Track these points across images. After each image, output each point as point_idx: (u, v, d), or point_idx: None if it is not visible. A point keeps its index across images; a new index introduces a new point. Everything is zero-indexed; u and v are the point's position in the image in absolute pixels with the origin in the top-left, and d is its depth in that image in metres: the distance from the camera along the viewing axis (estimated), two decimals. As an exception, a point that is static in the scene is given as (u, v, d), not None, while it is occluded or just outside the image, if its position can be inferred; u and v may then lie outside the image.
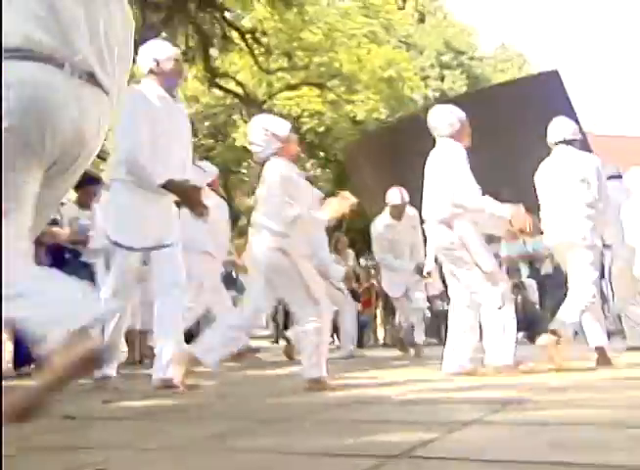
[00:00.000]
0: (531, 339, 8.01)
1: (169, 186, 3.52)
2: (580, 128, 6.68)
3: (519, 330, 8.06)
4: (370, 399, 2.90)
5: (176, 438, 2.03)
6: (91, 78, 1.86)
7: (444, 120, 4.16)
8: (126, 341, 6.75)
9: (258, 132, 3.58)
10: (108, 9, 1.98)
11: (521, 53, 27.10)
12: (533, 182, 4.54)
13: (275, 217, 3.40)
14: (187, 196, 3.57)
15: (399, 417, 2.30)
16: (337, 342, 9.35)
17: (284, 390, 3.55)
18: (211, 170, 6.17)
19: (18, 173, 1.76)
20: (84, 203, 6.05)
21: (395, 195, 6.42)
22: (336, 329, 7.00)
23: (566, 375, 3.57)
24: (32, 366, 5.34)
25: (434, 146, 4.59)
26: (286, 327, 9.90)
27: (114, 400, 3.01)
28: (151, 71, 3.71)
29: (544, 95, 8.60)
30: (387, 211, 6.55)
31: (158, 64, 3.69)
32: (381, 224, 6.56)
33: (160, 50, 3.79)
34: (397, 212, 6.44)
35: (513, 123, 7.85)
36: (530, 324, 8.07)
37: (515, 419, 2.12)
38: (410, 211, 6.42)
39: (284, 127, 3.61)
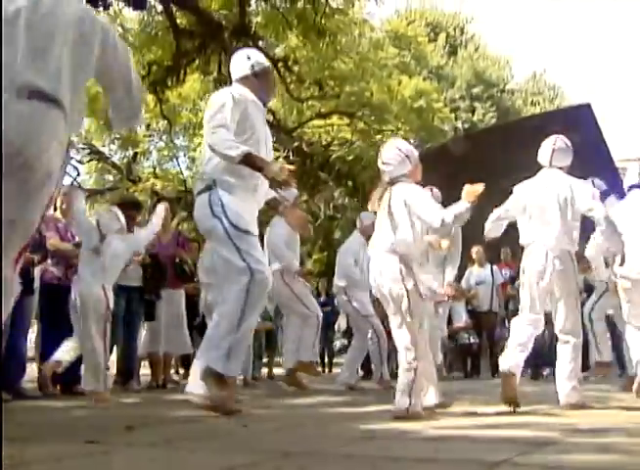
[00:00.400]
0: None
1: (250, 159, 3.47)
2: (612, 162, 6.61)
3: (546, 366, 7.96)
4: (396, 433, 2.84)
5: (200, 468, 2.00)
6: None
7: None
8: (150, 365, 6.77)
9: (392, 152, 3.75)
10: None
11: (553, 85, 27.03)
12: None
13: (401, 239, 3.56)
14: (271, 170, 3.51)
15: (424, 455, 2.25)
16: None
17: (309, 420, 3.50)
18: (292, 192, 6.27)
19: None
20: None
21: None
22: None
23: (596, 417, 3.47)
24: (58, 387, 5.36)
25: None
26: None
27: (137, 426, 2.99)
28: (245, 77, 3.77)
29: (575, 128, 8.55)
30: None
31: (253, 69, 3.78)
32: None
33: (258, 57, 3.89)
34: None
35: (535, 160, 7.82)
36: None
37: (547, 462, 2.06)
38: None
39: (415, 152, 3.83)
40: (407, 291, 3.45)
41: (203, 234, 3.88)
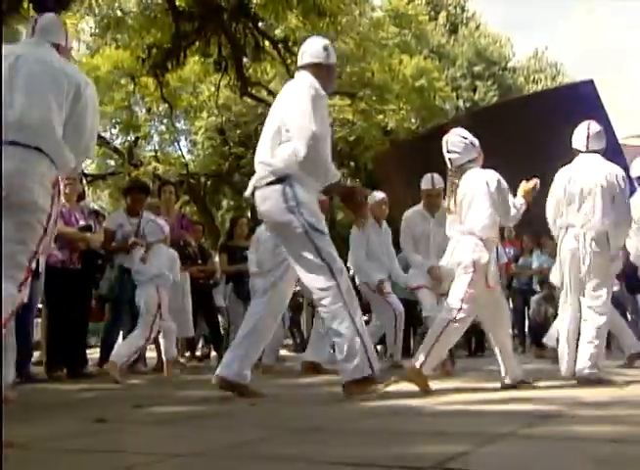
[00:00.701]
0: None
1: (336, 186, 3.54)
2: (615, 138, 6.55)
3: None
4: (403, 409, 2.87)
5: (206, 444, 2.02)
6: None
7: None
8: (156, 347, 6.80)
9: (457, 140, 3.88)
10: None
11: (554, 62, 26.83)
12: None
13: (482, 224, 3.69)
14: (352, 196, 3.59)
15: (432, 429, 2.27)
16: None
17: (316, 399, 3.53)
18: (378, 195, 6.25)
19: None
20: (133, 210, 6.17)
21: (427, 180, 5.60)
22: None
23: (599, 390, 3.49)
24: (65, 370, 5.41)
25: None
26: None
27: (145, 406, 3.02)
28: (318, 65, 3.62)
29: (579, 104, 8.52)
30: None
31: (328, 60, 3.67)
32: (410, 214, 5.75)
33: (333, 51, 3.76)
34: (429, 202, 5.57)
35: (546, 132, 7.77)
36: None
37: (552, 433, 2.08)
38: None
39: (476, 139, 3.93)
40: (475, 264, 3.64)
41: (268, 226, 3.64)
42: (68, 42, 3.55)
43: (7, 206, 2.87)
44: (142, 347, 5.41)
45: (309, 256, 3.33)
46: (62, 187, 3.22)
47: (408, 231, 5.64)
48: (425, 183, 5.57)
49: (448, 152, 3.88)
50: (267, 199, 3.43)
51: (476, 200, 3.72)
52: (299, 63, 3.71)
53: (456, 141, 3.87)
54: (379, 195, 6.25)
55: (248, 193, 3.61)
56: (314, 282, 3.33)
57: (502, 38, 25.61)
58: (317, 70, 3.60)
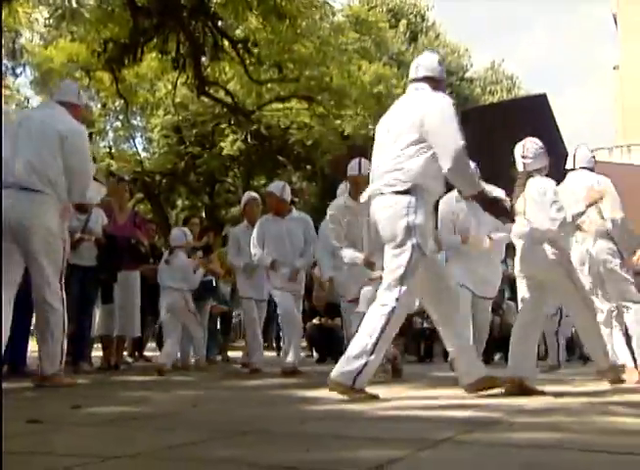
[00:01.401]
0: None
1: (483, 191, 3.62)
2: (565, 150, 6.74)
3: (498, 351, 8.13)
4: (345, 414, 2.87)
5: (142, 446, 1.99)
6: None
7: None
8: (102, 347, 6.69)
9: (533, 147, 4.13)
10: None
11: (510, 75, 27.38)
12: None
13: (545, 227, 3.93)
14: (495, 203, 3.68)
15: (371, 433, 2.27)
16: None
17: (261, 401, 3.51)
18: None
19: None
20: (81, 206, 6.04)
21: (354, 165, 5.26)
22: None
23: (540, 398, 3.56)
24: (5, 367, 5.27)
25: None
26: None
27: (84, 406, 2.96)
28: (434, 79, 3.67)
29: (531, 117, 8.71)
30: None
31: (442, 75, 3.74)
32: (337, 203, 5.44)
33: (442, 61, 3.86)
34: (355, 189, 5.11)
35: (500, 143, 7.91)
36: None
37: (487, 440, 2.11)
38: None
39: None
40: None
41: (379, 232, 3.59)
42: (80, 99, 4.42)
43: (24, 236, 3.95)
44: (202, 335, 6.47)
45: (395, 268, 3.42)
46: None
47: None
48: (351, 169, 5.25)
49: (523, 157, 4.12)
50: (389, 207, 3.48)
51: (539, 204, 3.97)
52: (413, 76, 3.75)
53: (532, 148, 4.13)
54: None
55: (364, 197, 3.67)
56: (384, 296, 3.42)
57: (461, 48, 26.03)
58: (434, 83, 3.66)
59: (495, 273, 5.62)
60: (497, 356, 8.09)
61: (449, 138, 3.40)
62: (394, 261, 3.44)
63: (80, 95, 4.45)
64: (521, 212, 4.04)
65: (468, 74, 26.19)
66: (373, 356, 3.35)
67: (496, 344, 7.64)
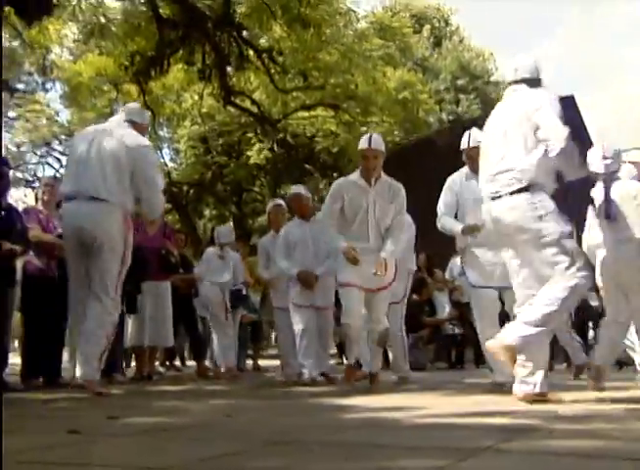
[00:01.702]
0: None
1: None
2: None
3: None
4: (381, 422, 2.85)
5: (178, 457, 1.99)
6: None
7: None
8: (135, 357, 6.74)
9: (610, 146, 4.31)
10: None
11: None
12: None
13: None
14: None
15: (409, 442, 2.25)
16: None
17: (294, 410, 3.50)
18: None
19: None
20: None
21: (364, 139, 4.94)
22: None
23: (575, 404, 3.50)
24: (41, 379, 5.33)
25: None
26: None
27: (120, 416, 2.97)
28: (531, 80, 3.71)
29: (562, 118, 8.63)
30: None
31: (540, 73, 3.78)
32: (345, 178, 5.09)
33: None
34: (365, 164, 4.78)
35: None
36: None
37: (527, 448, 2.07)
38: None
39: None
40: None
41: (508, 233, 3.60)
42: (144, 119, 4.77)
43: (93, 245, 4.20)
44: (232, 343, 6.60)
45: (560, 259, 3.41)
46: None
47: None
48: (361, 143, 4.88)
49: (604, 158, 4.25)
50: (514, 208, 3.50)
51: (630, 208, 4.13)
52: (513, 78, 3.78)
53: (610, 148, 4.31)
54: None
55: (486, 206, 3.67)
56: (554, 290, 3.41)
57: (485, 53, 25.86)
58: (533, 83, 3.70)
59: None
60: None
61: (557, 125, 3.46)
62: (555, 255, 3.43)
63: (144, 115, 4.83)
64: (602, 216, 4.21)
65: (493, 78, 26.01)
66: (546, 327, 3.42)
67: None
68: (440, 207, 4.79)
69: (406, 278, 5.75)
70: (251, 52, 12.22)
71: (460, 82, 23.12)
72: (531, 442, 2.20)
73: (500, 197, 3.55)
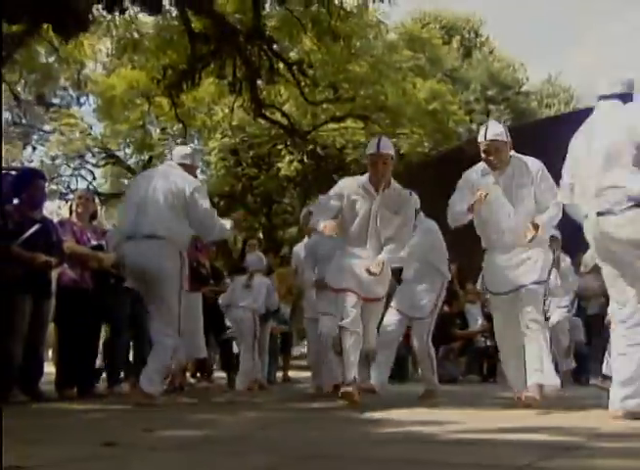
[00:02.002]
0: (577, 379, 7.79)
1: None
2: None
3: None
4: (416, 437, 2.82)
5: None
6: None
7: None
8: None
9: None
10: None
11: (567, 87, 26.86)
12: None
13: None
14: None
15: (443, 458, 2.22)
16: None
17: (327, 422, 3.48)
18: None
19: None
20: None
21: (372, 143, 4.68)
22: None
23: (614, 421, 3.42)
24: (75, 389, 5.38)
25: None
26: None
27: (155, 429, 2.98)
28: (624, 94, 3.71)
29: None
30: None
31: (633, 84, 3.78)
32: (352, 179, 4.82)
33: None
34: (374, 170, 4.53)
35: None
36: (578, 364, 7.86)
37: (568, 466, 2.03)
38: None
39: None
40: None
41: (619, 252, 3.56)
42: (195, 161, 5.17)
43: (149, 278, 4.51)
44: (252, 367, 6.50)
45: None
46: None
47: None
48: (369, 148, 4.64)
49: None
50: (632, 222, 3.45)
51: None
52: (608, 92, 3.74)
53: None
54: None
55: (592, 221, 3.59)
56: None
57: (515, 63, 25.70)
58: (626, 98, 3.69)
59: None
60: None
61: None
62: None
63: (194, 157, 5.19)
64: None
65: (524, 88, 25.81)
66: None
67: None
68: (451, 203, 4.53)
69: (439, 288, 5.38)
70: (281, 65, 12.28)
71: (490, 93, 22.99)
72: (573, 460, 2.15)
73: (610, 213, 3.49)
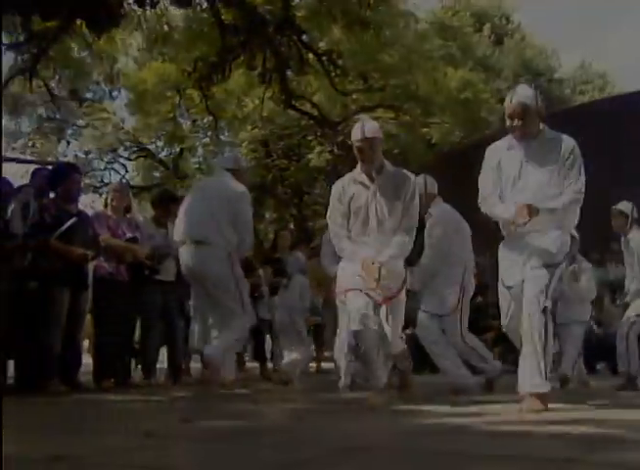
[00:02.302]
0: (614, 370, 7.66)
1: None
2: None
3: (600, 360, 7.79)
4: (453, 429, 2.79)
5: (260, 463, 1.99)
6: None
7: None
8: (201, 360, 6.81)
9: None
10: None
11: (602, 73, 26.37)
12: None
13: None
14: None
15: (486, 451, 2.19)
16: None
17: (363, 414, 3.47)
18: None
19: None
20: (160, 221, 6.17)
21: (356, 129, 4.26)
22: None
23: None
24: (112, 380, 5.45)
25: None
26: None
27: (193, 419, 3.00)
28: None
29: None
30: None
31: None
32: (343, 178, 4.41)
33: None
34: (361, 157, 4.20)
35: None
36: (613, 355, 7.73)
37: (617, 460, 1.99)
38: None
39: None
40: None
41: None
42: (241, 166, 5.28)
43: (202, 281, 4.84)
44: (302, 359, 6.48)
45: None
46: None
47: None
48: (353, 135, 4.26)
49: None
50: None
51: None
52: None
53: None
54: None
55: None
56: None
57: (548, 50, 25.30)
58: None
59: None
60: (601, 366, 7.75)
61: None
62: None
63: (239, 161, 5.38)
64: None
65: (557, 75, 25.42)
66: None
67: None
68: (483, 186, 3.99)
69: (458, 276, 4.99)
70: (310, 55, 12.26)
71: (522, 80, 22.65)
72: (620, 453, 2.11)
73: None
